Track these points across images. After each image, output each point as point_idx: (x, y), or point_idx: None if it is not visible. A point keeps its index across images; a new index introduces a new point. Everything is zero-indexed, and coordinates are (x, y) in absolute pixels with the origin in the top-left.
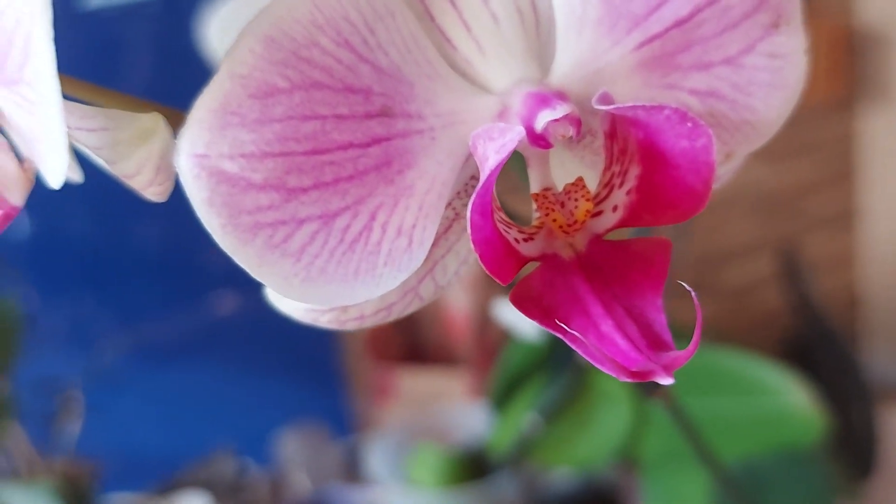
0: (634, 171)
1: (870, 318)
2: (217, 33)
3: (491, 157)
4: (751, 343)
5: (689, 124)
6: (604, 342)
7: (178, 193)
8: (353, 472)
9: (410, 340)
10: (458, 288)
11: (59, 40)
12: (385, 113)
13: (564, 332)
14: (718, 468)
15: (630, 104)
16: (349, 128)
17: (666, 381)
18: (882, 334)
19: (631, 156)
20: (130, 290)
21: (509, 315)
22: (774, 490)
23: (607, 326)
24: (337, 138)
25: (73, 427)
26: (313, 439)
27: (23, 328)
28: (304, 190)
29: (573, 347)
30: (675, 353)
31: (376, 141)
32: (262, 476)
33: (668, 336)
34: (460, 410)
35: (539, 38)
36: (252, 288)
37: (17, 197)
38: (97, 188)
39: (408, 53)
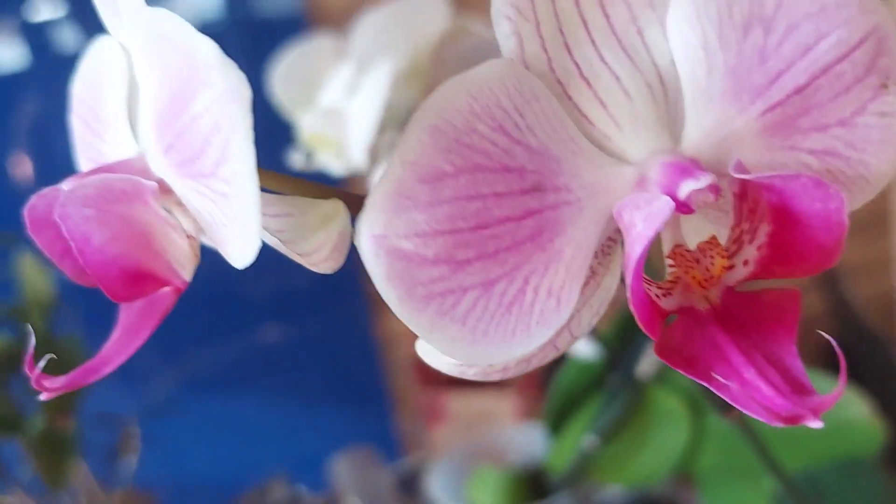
0: (765, 229)
1: None
2: (279, 83)
3: (639, 224)
4: None
5: (824, 189)
6: (748, 389)
7: None
8: (405, 495)
9: None
10: None
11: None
12: (537, 188)
13: (711, 380)
14: (786, 479)
15: (769, 174)
16: (507, 203)
17: (816, 424)
18: None
19: (761, 215)
20: (179, 321)
21: None
22: (837, 502)
23: (750, 374)
24: (497, 214)
25: (131, 460)
26: (365, 463)
27: None
28: (470, 261)
29: (720, 395)
30: (821, 398)
31: (530, 213)
32: (315, 502)
33: (807, 381)
34: (514, 432)
35: (668, 109)
36: (298, 317)
37: (188, 273)
38: None
39: (553, 132)
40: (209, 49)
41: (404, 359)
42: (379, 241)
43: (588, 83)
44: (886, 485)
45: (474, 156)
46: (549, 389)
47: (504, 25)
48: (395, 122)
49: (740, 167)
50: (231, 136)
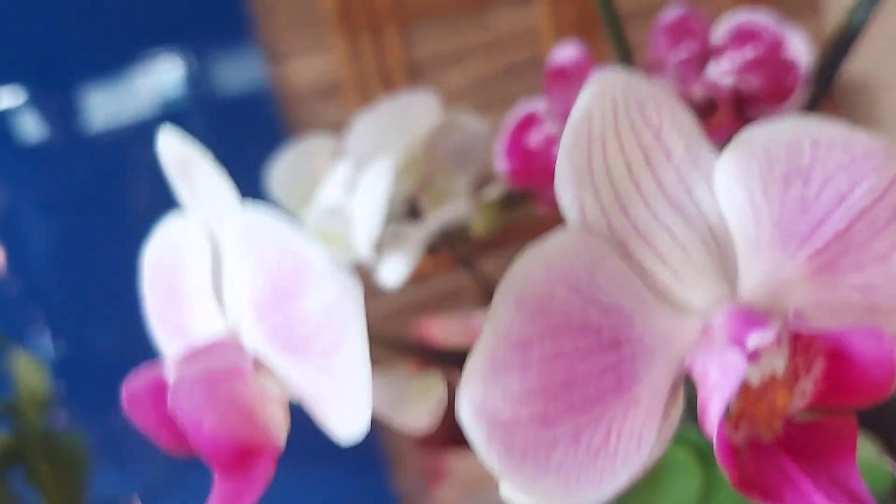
0: (819, 365)
1: None
2: (277, 184)
3: (714, 375)
4: None
5: (877, 335)
6: None
7: None
8: None
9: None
10: None
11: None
12: (614, 342)
13: None
14: None
15: (830, 328)
16: (589, 359)
17: None
18: None
19: (815, 353)
20: None
21: None
22: None
23: (820, 499)
24: (580, 369)
25: None
26: None
27: (90, 459)
28: (560, 415)
29: None
30: None
31: (610, 366)
32: None
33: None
34: None
35: (722, 259)
36: None
37: (283, 437)
38: (120, 303)
39: (622, 289)
40: (320, 255)
41: None
42: (478, 407)
43: (646, 241)
44: None
45: (555, 319)
46: None
47: (567, 195)
48: (394, 214)
49: (799, 317)
50: (345, 330)
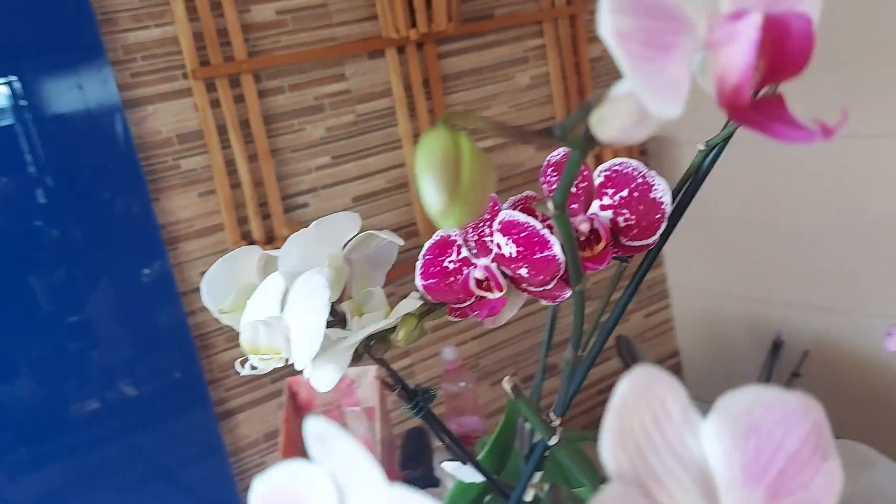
0: None
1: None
2: (207, 293)
3: None
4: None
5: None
6: None
7: None
8: None
9: None
10: (363, 420)
11: None
12: None
13: None
14: None
15: None
16: None
17: None
18: (696, 388)
19: None
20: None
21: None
22: None
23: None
24: None
25: None
26: None
27: None
28: None
29: None
30: None
31: None
32: None
33: None
34: None
35: (709, 494)
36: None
37: None
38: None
39: None
40: None
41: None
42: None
43: (659, 482)
44: None
45: None
46: None
47: (608, 453)
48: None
49: None
50: None
